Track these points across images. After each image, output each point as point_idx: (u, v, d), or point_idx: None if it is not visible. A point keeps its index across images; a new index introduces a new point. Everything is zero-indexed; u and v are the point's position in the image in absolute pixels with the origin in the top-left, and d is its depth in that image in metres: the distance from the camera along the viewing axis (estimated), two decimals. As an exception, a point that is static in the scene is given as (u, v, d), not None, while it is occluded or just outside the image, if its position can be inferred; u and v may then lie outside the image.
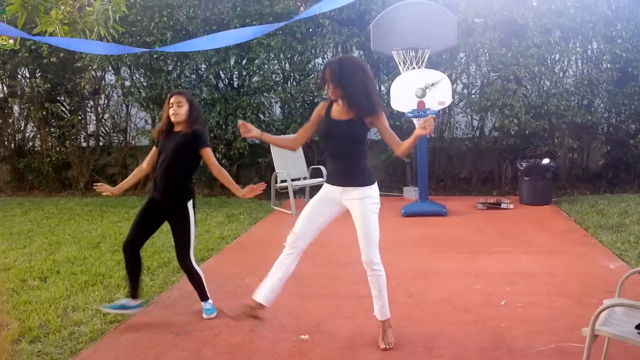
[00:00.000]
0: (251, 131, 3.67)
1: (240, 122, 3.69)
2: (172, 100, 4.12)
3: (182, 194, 4.17)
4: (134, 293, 4.33)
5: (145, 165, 4.37)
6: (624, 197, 8.42)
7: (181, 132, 4.15)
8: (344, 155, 3.65)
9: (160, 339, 3.95)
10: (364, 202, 3.63)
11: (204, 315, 4.29)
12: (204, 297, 4.35)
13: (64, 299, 4.77)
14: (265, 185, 4.14)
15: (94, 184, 4.44)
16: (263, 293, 3.72)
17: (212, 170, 4.20)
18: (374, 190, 3.69)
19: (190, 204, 4.18)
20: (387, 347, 3.67)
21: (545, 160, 8.31)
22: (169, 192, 4.16)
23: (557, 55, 9.05)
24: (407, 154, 3.59)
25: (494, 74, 9.08)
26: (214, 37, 6.04)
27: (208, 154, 4.17)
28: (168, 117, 4.16)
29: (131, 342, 3.92)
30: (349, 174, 3.64)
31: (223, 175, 4.20)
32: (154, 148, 4.29)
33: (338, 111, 3.64)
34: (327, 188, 3.76)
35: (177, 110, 4.08)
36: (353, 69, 3.53)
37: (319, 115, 3.75)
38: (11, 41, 4.60)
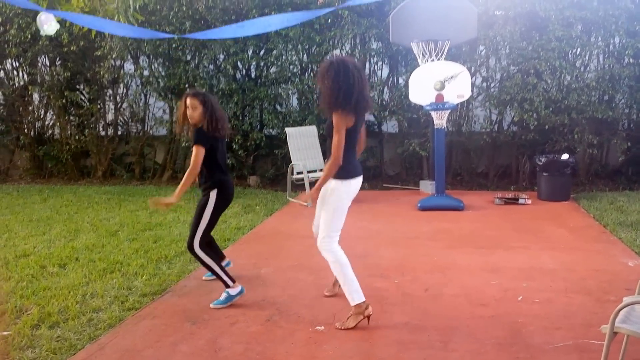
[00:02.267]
0: None
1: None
2: (187, 102, 4.37)
3: (205, 182, 4.45)
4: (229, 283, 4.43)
5: None
6: (644, 194, 8.31)
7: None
8: (328, 149, 3.89)
9: (177, 327, 3.99)
10: (330, 192, 3.93)
11: (211, 304, 4.32)
12: (224, 284, 4.37)
13: (83, 286, 4.83)
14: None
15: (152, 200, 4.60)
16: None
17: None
18: (341, 184, 3.89)
19: (214, 192, 4.39)
20: (340, 327, 3.88)
21: (565, 156, 8.22)
22: (198, 181, 4.51)
23: (579, 50, 8.93)
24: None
25: (514, 68, 8.99)
26: (254, 23, 5.99)
27: (194, 151, 4.32)
28: (184, 115, 4.42)
29: (149, 330, 3.96)
30: None
31: (187, 176, 4.31)
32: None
33: None
34: None
35: (192, 113, 4.36)
36: (328, 69, 3.81)
37: None
38: (53, 23, 4.67)
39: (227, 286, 4.36)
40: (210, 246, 4.59)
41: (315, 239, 4.07)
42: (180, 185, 4.30)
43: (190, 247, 4.36)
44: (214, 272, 4.38)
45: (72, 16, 5.23)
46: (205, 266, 4.39)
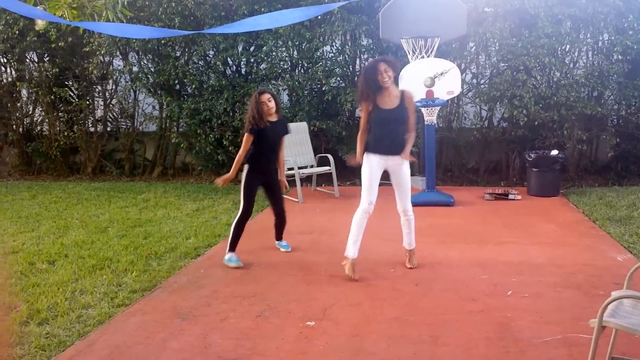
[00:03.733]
0: None
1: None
2: (262, 98, 5.26)
3: (275, 163, 5.55)
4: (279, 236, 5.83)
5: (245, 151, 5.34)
6: (632, 189, 8.37)
7: (278, 121, 5.45)
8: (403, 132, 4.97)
9: (167, 323, 3.98)
10: (407, 168, 5.01)
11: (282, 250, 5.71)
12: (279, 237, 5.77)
13: (72, 282, 4.81)
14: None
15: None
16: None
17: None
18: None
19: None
20: (411, 266, 5.09)
21: (554, 152, 8.27)
22: (271, 160, 5.48)
23: (568, 46, 8.96)
24: None
25: (503, 64, 9.01)
26: (259, 19, 6.02)
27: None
28: (261, 111, 5.25)
29: (138, 326, 3.95)
30: None
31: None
32: (249, 135, 5.25)
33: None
34: None
35: (271, 107, 5.30)
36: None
37: None
38: (44, 21, 4.59)
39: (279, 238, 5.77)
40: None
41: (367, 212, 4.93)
42: (280, 165, 5.59)
43: (285, 213, 5.66)
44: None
45: (92, 25, 5.21)
46: (284, 222, 5.69)
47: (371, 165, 4.87)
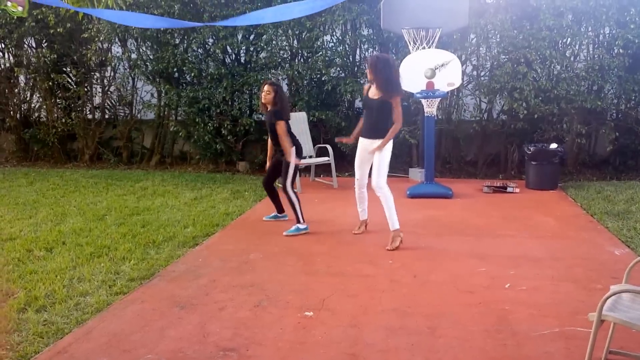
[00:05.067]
0: None
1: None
2: (265, 88, 5.91)
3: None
4: (279, 209, 6.48)
5: None
6: (630, 184, 8.38)
7: (268, 111, 5.98)
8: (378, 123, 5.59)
9: (165, 312, 3.98)
10: (385, 148, 5.50)
11: (284, 233, 5.89)
12: (297, 220, 5.91)
13: (70, 270, 4.80)
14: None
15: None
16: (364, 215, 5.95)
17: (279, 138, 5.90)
18: (390, 142, 5.54)
19: (292, 150, 5.91)
20: (390, 248, 5.36)
21: (553, 145, 8.25)
22: (278, 149, 6.03)
23: (569, 39, 8.93)
24: None
25: (504, 57, 8.98)
26: (264, 12, 6.25)
27: (280, 126, 5.83)
28: (260, 99, 6.03)
29: (137, 314, 3.95)
30: None
31: (283, 142, 5.89)
32: None
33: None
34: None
35: (265, 96, 5.90)
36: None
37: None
38: (20, 8, 4.54)
39: (299, 222, 5.88)
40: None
41: (359, 187, 5.82)
42: (283, 143, 5.88)
43: (285, 189, 5.89)
44: (294, 209, 5.88)
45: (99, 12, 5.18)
46: (290, 203, 5.88)
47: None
